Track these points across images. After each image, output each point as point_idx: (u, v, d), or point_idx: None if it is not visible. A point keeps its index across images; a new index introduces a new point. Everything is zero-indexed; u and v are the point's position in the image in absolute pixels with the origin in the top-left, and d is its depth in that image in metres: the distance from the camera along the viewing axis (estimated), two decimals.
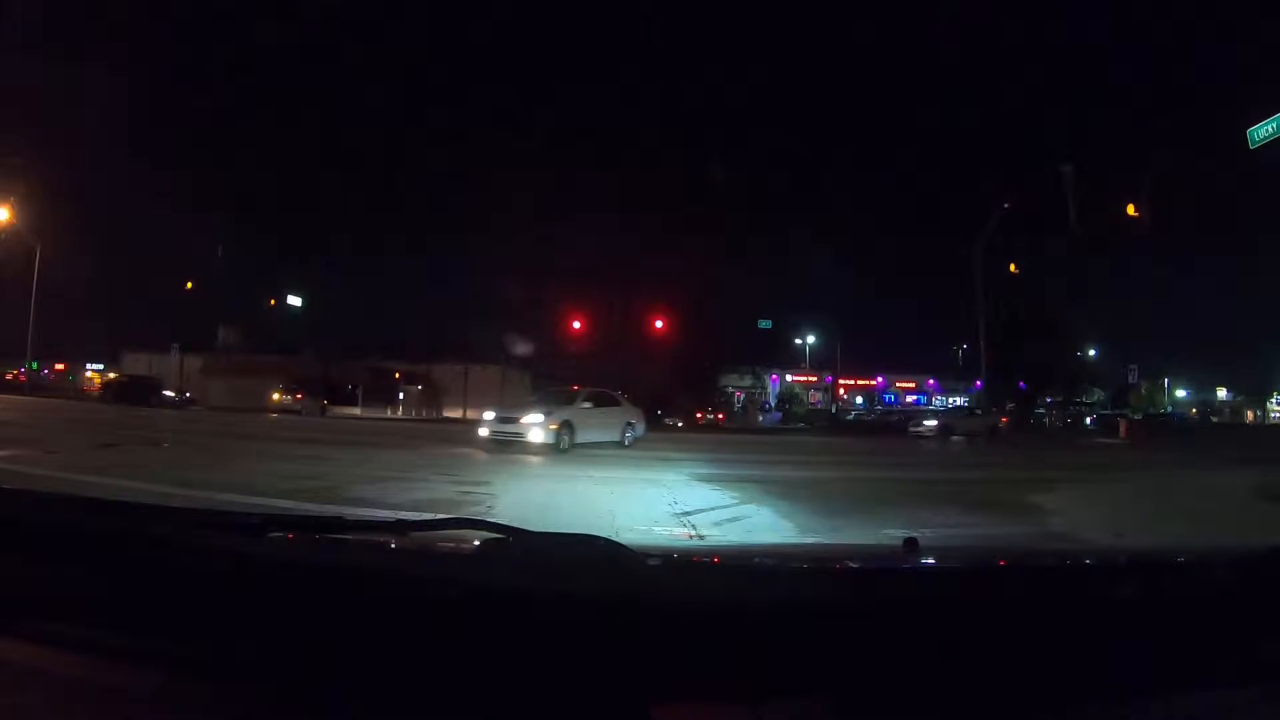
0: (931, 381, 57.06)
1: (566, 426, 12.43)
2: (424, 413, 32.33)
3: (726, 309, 44.91)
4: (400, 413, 32.31)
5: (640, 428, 15.11)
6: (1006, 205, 26.34)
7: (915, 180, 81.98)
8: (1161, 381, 62.92)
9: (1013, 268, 28.32)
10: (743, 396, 47.83)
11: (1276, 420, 61.44)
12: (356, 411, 31.34)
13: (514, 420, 12.49)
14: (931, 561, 1.39)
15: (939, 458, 17.29)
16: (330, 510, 5.44)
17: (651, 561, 0.99)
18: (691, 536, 5.29)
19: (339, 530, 1.13)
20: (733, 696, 0.76)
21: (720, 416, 40.32)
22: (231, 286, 42.26)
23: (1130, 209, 17.78)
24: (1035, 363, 42.97)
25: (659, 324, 34.25)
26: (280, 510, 5.00)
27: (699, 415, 37.00)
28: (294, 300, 45.13)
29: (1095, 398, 55.22)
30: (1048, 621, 0.88)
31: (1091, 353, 52.69)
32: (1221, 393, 65.52)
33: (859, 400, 54.94)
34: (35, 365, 40.67)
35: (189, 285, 41.60)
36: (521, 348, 35.80)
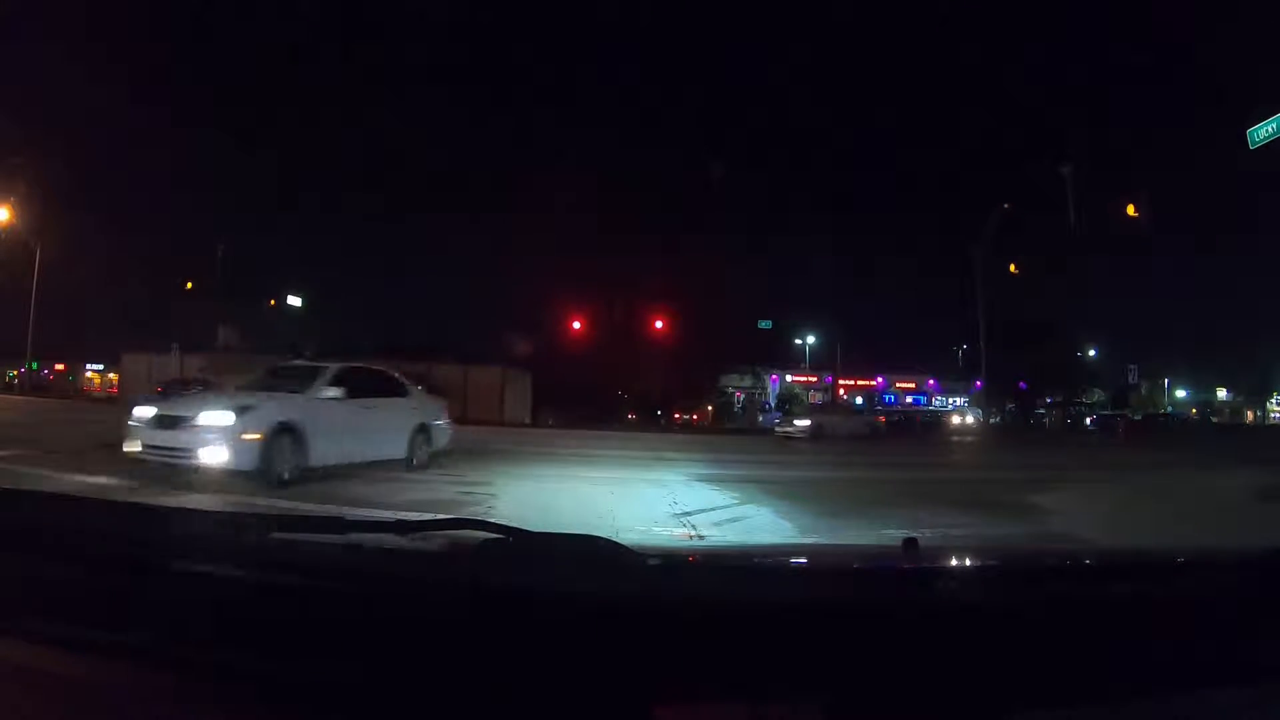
0: (931, 381, 57.00)
1: (287, 435, 7.03)
2: None
3: (726, 309, 45.00)
4: None
5: (443, 433, 9.55)
6: (1006, 205, 26.37)
7: (916, 180, 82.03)
8: (1161, 381, 62.88)
9: (1013, 268, 28.33)
10: (742, 397, 47.82)
11: (1276, 420, 61.38)
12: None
13: (186, 423, 6.89)
14: (931, 562, 1.39)
15: (939, 457, 17.29)
16: (330, 510, 5.45)
17: (651, 561, 0.99)
18: (691, 536, 5.30)
19: (339, 530, 1.13)
20: (733, 696, 0.76)
21: (695, 418, 39.88)
22: (231, 286, 42.12)
23: (1130, 209, 17.81)
24: (1035, 363, 43.03)
25: (659, 324, 34.25)
26: (280, 510, 5.01)
27: (676, 416, 36.87)
28: (294, 300, 45.21)
29: (1095, 398, 55.25)
30: (1047, 621, 0.88)
31: (1091, 353, 52.79)
32: (1221, 393, 65.42)
33: (859, 401, 54.94)
34: (35, 365, 40.71)
35: (189, 285, 41.71)
36: (521, 348, 35.87)
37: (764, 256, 72.73)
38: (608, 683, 0.76)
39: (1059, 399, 49.87)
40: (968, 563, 1.46)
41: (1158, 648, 0.87)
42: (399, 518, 1.23)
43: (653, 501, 6.91)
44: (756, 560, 1.46)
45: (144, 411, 7.36)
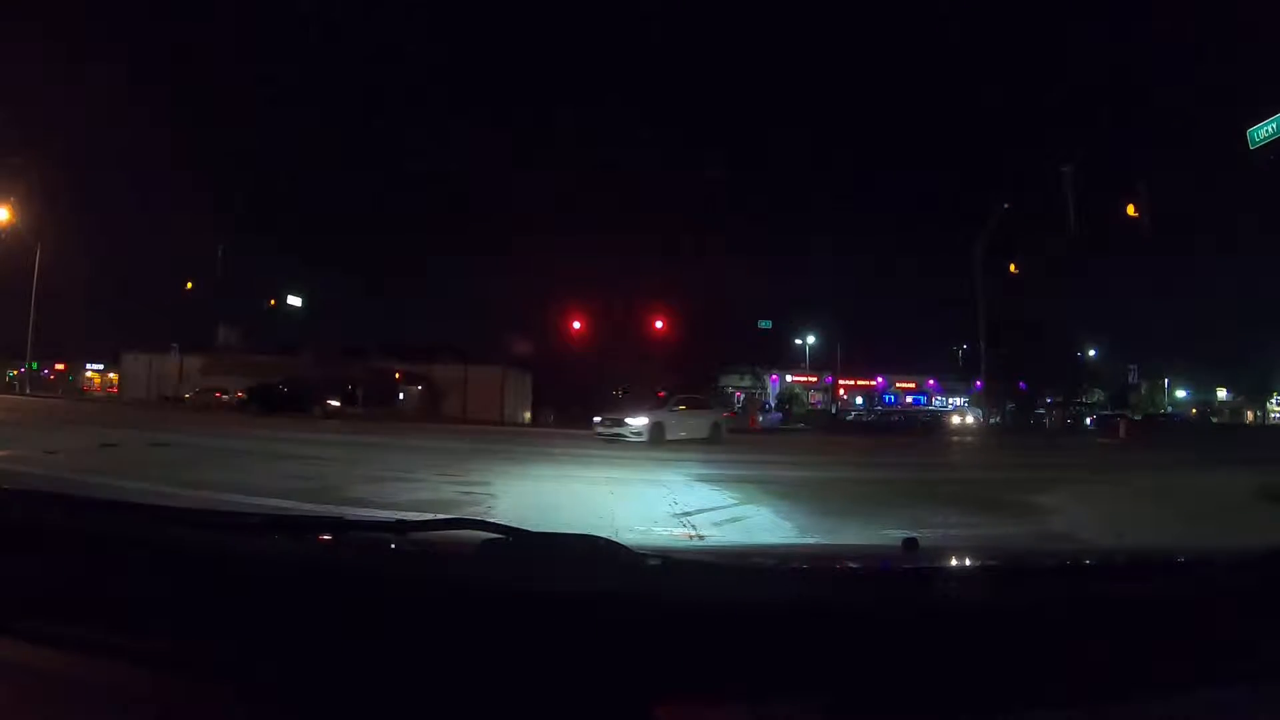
0: (931, 381, 57.08)
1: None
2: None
3: (726, 309, 44.96)
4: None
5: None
6: (1006, 205, 26.32)
7: (915, 180, 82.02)
8: (1161, 381, 62.90)
9: (1013, 268, 28.27)
10: (742, 397, 47.84)
11: (1276, 420, 61.36)
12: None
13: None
14: (931, 562, 1.39)
15: (938, 455, 17.31)
16: (330, 510, 5.44)
17: (651, 561, 0.99)
18: (691, 537, 5.30)
19: (339, 530, 1.13)
20: (733, 696, 0.76)
21: None
22: (231, 286, 42.20)
23: (1130, 209, 17.79)
24: (1035, 363, 43.02)
25: (659, 324, 34.27)
26: (280, 510, 5.01)
27: None
28: (294, 300, 45.26)
29: (1095, 398, 55.29)
30: (1047, 621, 0.88)
31: (1091, 353, 52.83)
32: (1221, 393, 65.39)
33: (859, 401, 54.94)
34: (35, 365, 40.74)
35: (189, 285, 41.74)
36: (522, 348, 35.88)
37: (764, 256, 72.64)
38: (608, 682, 0.76)
39: (1059, 399, 49.86)
40: (968, 563, 1.47)
41: (1158, 648, 0.87)
42: (399, 518, 1.23)
43: (652, 501, 6.90)
44: (756, 560, 1.46)
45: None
